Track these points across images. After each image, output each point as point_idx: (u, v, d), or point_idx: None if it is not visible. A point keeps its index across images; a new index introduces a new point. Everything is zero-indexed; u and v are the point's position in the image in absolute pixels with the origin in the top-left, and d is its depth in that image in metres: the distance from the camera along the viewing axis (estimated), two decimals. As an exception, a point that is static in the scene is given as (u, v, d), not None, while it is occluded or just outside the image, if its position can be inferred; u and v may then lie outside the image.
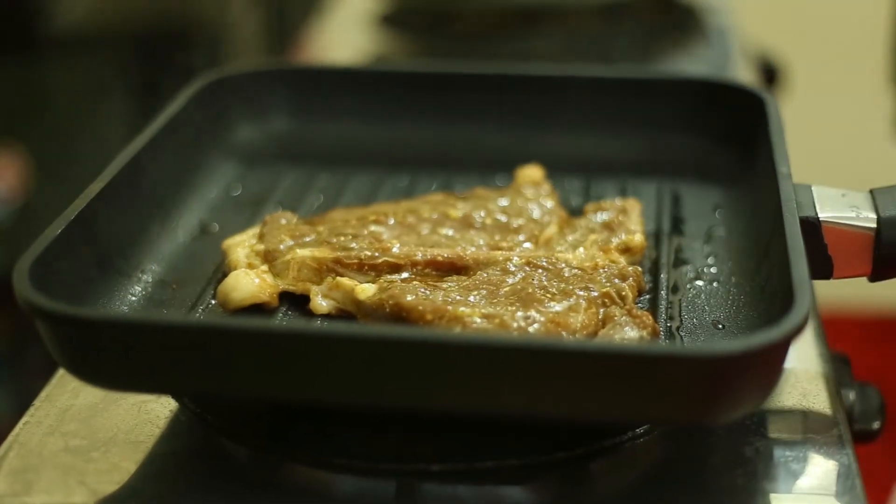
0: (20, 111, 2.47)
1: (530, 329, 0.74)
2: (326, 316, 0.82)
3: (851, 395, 0.84)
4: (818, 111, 2.58)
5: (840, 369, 0.85)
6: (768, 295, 0.78)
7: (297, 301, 0.84)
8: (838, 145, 2.67)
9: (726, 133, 1.00)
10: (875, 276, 0.81)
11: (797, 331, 0.64)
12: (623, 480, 0.74)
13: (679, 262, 0.88)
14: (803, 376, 0.82)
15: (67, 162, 2.32)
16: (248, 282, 0.82)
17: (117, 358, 0.68)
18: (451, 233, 0.87)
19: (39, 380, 0.83)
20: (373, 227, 0.87)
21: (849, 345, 0.93)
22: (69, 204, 0.80)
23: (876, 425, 0.84)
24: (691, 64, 1.50)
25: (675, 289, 0.84)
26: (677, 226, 0.93)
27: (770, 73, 1.70)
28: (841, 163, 2.36)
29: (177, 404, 0.78)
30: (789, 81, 1.80)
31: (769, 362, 0.66)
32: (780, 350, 0.65)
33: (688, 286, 0.85)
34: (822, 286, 0.84)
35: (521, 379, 0.64)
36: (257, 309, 0.82)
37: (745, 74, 1.48)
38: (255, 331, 0.67)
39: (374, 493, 0.72)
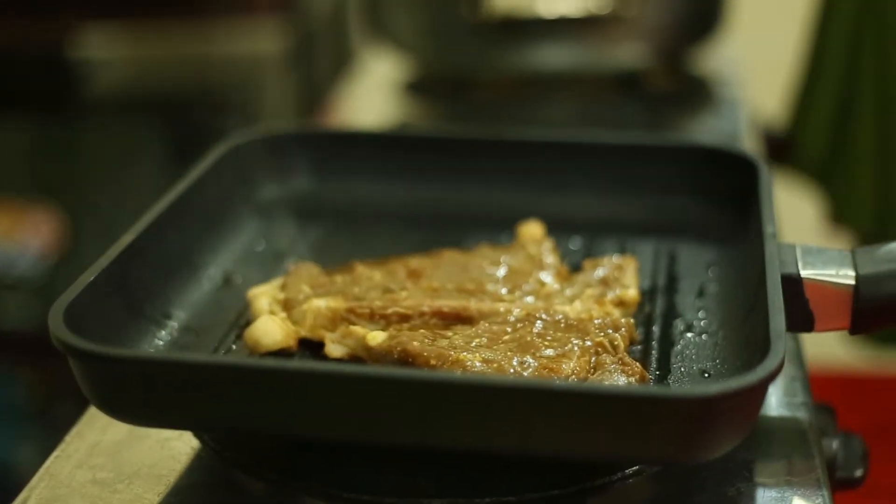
0: (57, 171, 2.54)
1: (525, 373, 0.79)
2: (339, 360, 0.87)
3: (835, 444, 0.88)
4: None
5: (824, 419, 0.89)
6: (752, 346, 0.82)
7: (313, 347, 0.89)
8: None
9: (722, 196, 1.05)
10: (854, 330, 0.85)
11: (771, 377, 0.69)
12: (614, 518, 0.78)
13: (671, 315, 0.92)
14: (786, 424, 0.86)
15: (101, 220, 2.37)
16: (276, 328, 0.88)
17: (144, 394, 0.74)
18: (457, 286, 0.92)
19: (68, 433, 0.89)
20: (385, 280, 0.93)
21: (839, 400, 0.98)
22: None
23: (859, 473, 0.88)
24: (701, 133, 1.55)
25: (665, 340, 0.89)
26: (672, 282, 0.98)
27: (778, 145, 1.75)
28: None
29: (198, 443, 0.83)
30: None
31: (744, 405, 0.70)
32: (754, 394, 0.70)
33: (678, 338, 0.89)
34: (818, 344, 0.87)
35: (511, 416, 0.69)
36: (277, 352, 0.88)
37: (752, 145, 1.53)
38: (272, 370, 0.72)
39: (380, 526, 0.77)
